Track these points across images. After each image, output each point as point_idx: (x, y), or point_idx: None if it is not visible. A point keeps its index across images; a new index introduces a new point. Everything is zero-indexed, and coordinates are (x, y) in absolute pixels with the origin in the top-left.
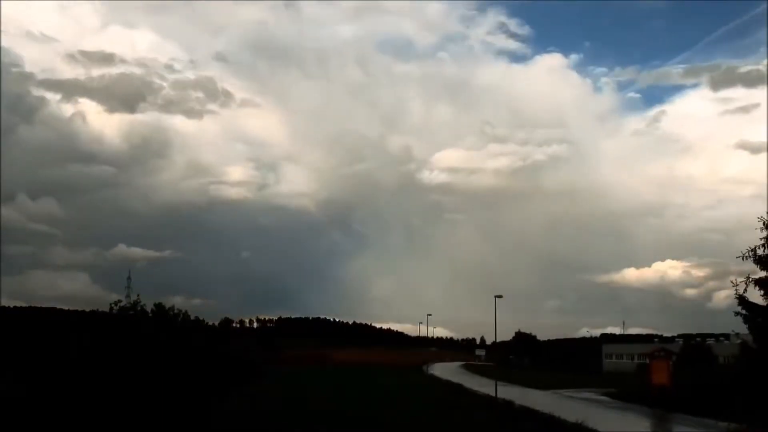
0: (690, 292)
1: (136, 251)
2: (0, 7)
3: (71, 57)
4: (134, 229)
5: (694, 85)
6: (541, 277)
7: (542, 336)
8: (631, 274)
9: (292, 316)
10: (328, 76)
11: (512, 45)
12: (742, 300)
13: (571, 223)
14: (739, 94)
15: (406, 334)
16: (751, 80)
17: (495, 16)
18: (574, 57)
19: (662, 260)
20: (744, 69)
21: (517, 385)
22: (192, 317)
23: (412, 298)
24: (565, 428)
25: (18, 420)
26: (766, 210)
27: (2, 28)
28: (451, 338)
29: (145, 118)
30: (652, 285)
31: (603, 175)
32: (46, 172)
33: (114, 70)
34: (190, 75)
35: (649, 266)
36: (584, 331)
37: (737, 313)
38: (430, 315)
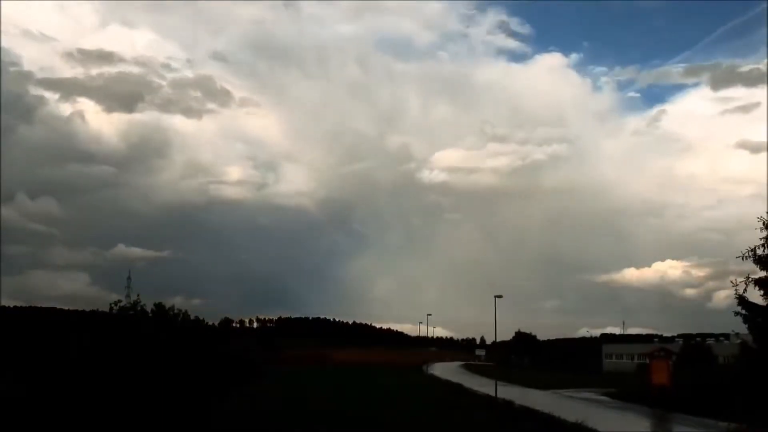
0: (690, 292)
1: (136, 251)
2: (0, 7)
3: (70, 56)
4: (133, 229)
5: (695, 85)
6: (541, 277)
7: (542, 336)
8: (631, 274)
9: (292, 316)
10: (327, 75)
11: (512, 44)
12: (741, 300)
13: (571, 222)
14: (740, 94)
15: (406, 334)
16: (751, 80)
17: (495, 16)
18: (574, 56)
19: (662, 260)
20: (744, 68)
21: (516, 385)
22: (192, 317)
23: (411, 297)
24: (565, 428)
25: (18, 420)
26: (766, 210)
27: (2, 28)
28: (451, 338)
29: (144, 117)
30: (652, 285)
31: (603, 175)
32: (44, 171)
33: (113, 69)
34: (189, 74)
35: (649, 266)
36: (584, 331)
37: (737, 313)
38: (430, 315)
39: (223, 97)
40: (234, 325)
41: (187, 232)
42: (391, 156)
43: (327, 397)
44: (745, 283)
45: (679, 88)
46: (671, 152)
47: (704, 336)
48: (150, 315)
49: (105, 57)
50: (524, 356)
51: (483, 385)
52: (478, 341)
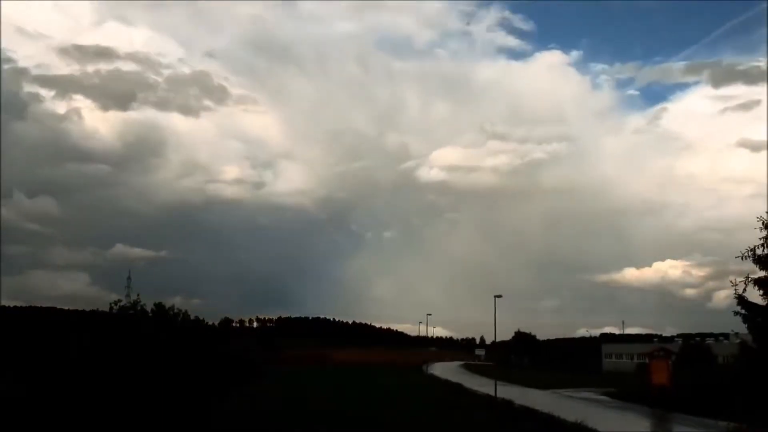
0: (690, 291)
1: (135, 251)
2: (0, 7)
3: (66, 52)
4: (132, 229)
5: (695, 83)
6: (540, 277)
7: (542, 336)
8: (630, 274)
9: (292, 316)
10: (326, 73)
11: (512, 42)
12: (741, 300)
13: (571, 222)
14: (740, 92)
15: (406, 334)
16: (752, 77)
17: (495, 13)
18: (574, 54)
19: (662, 260)
20: (745, 66)
21: (516, 384)
22: (192, 317)
23: (411, 297)
24: (564, 428)
25: (18, 420)
26: (766, 209)
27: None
28: (451, 338)
29: (140, 115)
30: (651, 285)
31: (603, 174)
32: (40, 170)
33: (109, 66)
34: (186, 71)
35: (650, 266)
36: (583, 331)
37: (737, 313)
38: (429, 315)
39: (220, 95)
40: (234, 325)
41: (187, 232)
42: (390, 155)
43: (327, 397)
44: (745, 283)
45: (680, 86)
46: (671, 151)
47: (704, 336)
48: (150, 315)
49: (101, 54)
50: (524, 356)
51: (483, 385)
52: (477, 341)
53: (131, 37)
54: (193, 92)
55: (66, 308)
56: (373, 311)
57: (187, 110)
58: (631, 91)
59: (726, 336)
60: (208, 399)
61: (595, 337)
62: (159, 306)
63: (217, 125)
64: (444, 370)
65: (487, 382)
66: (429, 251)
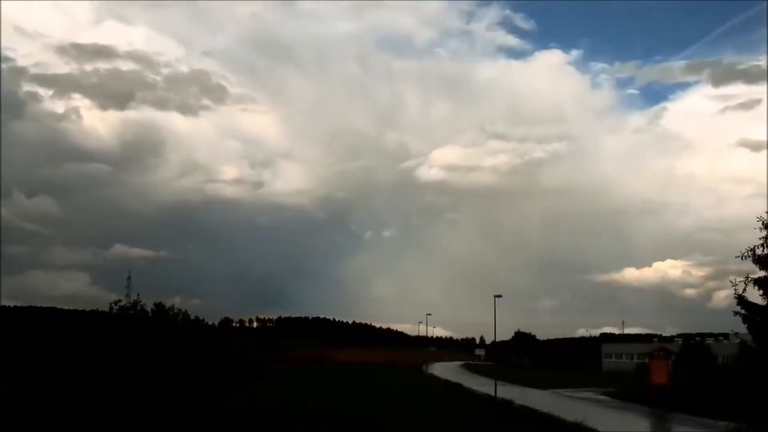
0: (690, 291)
1: (134, 251)
2: (0, 6)
3: (64, 51)
4: (131, 229)
5: (695, 82)
6: (540, 277)
7: (541, 335)
8: (630, 274)
9: (292, 316)
10: (326, 72)
11: (512, 41)
12: (741, 300)
13: (570, 221)
14: (740, 91)
15: (406, 334)
16: (752, 76)
17: (496, 12)
18: (574, 53)
19: (662, 260)
20: (745, 65)
21: (516, 384)
22: (192, 317)
23: (411, 297)
24: (564, 428)
25: (18, 420)
26: (766, 209)
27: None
28: (451, 338)
29: (139, 114)
30: (651, 285)
31: (603, 173)
32: (39, 170)
33: (108, 65)
34: (185, 70)
35: (650, 266)
36: (583, 331)
37: (736, 313)
38: (429, 315)
39: (219, 94)
40: (234, 325)
41: (186, 232)
42: (390, 154)
43: (327, 397)
44: (745, 283)
45: (680, 85)
46: (671, 150)
47: (703, 336)
48: (150, 315)
49: (100, 52)
50: (524, 356)
51: (482, 385)
52: (477, 341)
53: (130, 36)
54: (192, 91)
55: (66, 308)
56: (373, 311)
57: (186, 109)
58: (631, 91)
59: (726, 336)
60: (208, 399)
61: (594, 337)
62: (159, 306)
63: (216, 124)
64: (444, 370)
65: (487, 381)
66: (429, 251)
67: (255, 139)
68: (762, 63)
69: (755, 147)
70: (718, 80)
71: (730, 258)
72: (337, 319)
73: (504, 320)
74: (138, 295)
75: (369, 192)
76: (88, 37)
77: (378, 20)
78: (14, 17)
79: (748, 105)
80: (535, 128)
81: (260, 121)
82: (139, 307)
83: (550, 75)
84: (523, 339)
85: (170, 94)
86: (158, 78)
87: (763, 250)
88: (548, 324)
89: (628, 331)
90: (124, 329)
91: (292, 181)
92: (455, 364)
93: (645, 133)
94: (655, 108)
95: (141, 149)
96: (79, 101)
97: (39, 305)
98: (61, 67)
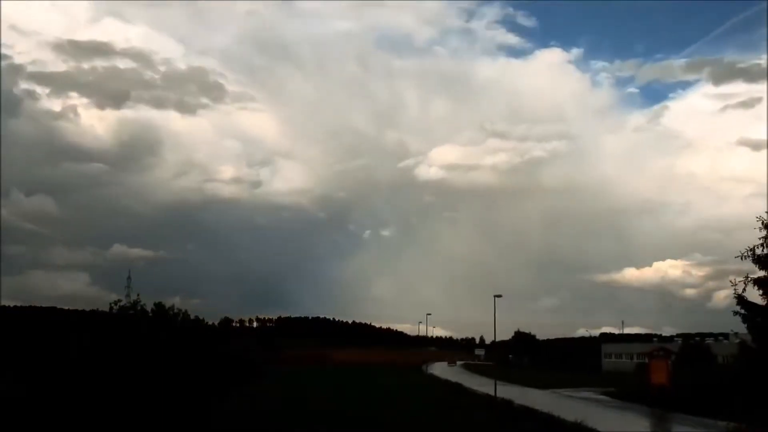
0: (689, 291)
1: (134, 251)
2: (0, 6)
3: (62, 49)
4: (130, 229)
5: (696, 81)
6: (540, 277)
7: (541, 335)
8: (630, 274)
9: (292, 316)
10: (325, 71)
11: (512, 40)
12: (740, 299)
13: (570, 221)
14: (741, 89)
15: (406, 334)
16: (752, 75)
17: (496, 11)
18: (574, 52)
19: (662, 259)
20: (745, 64)
21: (516, 384)
22: (191, 317)
23: (410, 297)
24: (564, 428)
25: (18, 420)
26: (766, 208)
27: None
28: (451, 338)
29: (136, 113)
30: (651, 285)
31: (603, 173)
32: (37, 169)
33: (105, 63)
34: (183, 69)
35: (650, 266)
36: (582, 331)
37: (736, 313)
38: (429, 314)
39: (218, 93)
40: (234, 325)
41: (186, 232)
42: (389, 153)
43: (327, 397)
44: (744, 283)
45: (680, 84)
46: (671, 150)
47: (703, 335)
48: (150, 315)
49: (97, 50)
50: (523, 356)
51: (482, 385)
52: (477, 341)
53: (128, 35)
54: (191, 90)
55: (66, 308)
56: (372, 311)
57: (184, 108)
58: (632, 89)
59: (726, 336)
60: (208, 399)
61: (594, 337)
62: (159, 306)
63: (214, 123)
64: (444, 370)
65: (487, 381)
66: (428, 250)
67: (254, 138)
68: (762, 62)
69: (756, 146)
70: (719, 79)
71: (730, 258)
72: (336, 319)
73: (504, 320)
74: (138, 295)
75: (368, 191)
76: (86, 35)
77: (377, 19)
78: (12, 16)
79: (748, 103)
80: (535, 127)
81: (259, 120)
82: (139, 307)
83: (550, 74)
84: (522, 339)
85: (168, 92)
86: (156, 76)
87: (762, 250)
88: (548, 324)
89: (627, 331)
90: (124, 329)
91: (291, 180)
92: (455, 364)
93: (645, 132)
94: (656, 107)
95: (139, 148)
96: (77, 99)
97: (39, 305)
98: (59, 64)
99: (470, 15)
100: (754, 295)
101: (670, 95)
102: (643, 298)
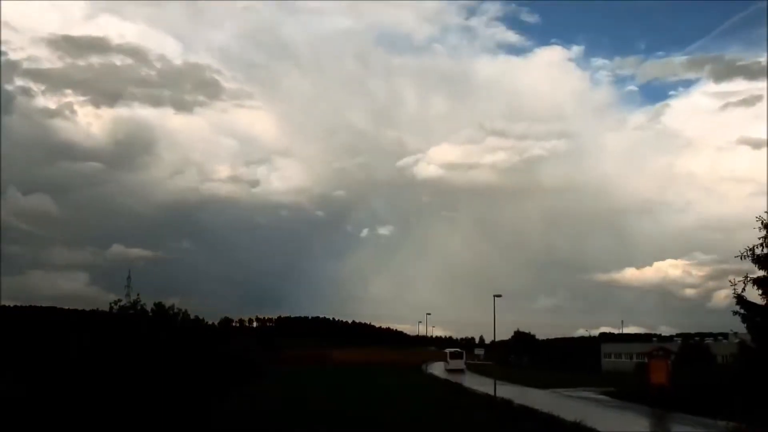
0: (689, 291)
1: (133, 251)
2: (0, 6)
3: (57, 45)
4: (129, 229)
5: (696, 80)
6: (540, 276)
7: (541, 335)
8: (630, 274)
9: (292, 316)
10: (323, 69)
11: (512, 38)
12: (740, 299)
13: (570, 220)
14: (741, 87)
15: (406, 334)
16: (753, 73)
17: (497, 8)
18: (575, 49)
19: (662, 259)
20: (746, 62)
21: (515, 384)
22: (191, 317)
23: (410, 297)
24: (564, 427)
25: (18, 420)
26: (766, 208)
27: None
28: (450, 337)
29: (132, 111)
30: (651, 284)
31: (603, 172)
32: (34, 168)
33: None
34: (181, 66)
35: (650, 265)
36: (582, 331)
37: (736, 313)
38: (429, 314)
39: (215, 90)
40: (234, 324)
41: (185, 232)
42: (388, 152)
43: (327, 397)
44: (744, 283)
45: (681, 83)
46: (672, 148)
47: (703, 335)
48: (150, 314)
49: (93, 47)
50: (523, 355)
51: (482, 385)
52: (477, 341)
53: (124, 32)
54: (187, 87)
55: (66, 308)
56: (372, 311)
57: (181, 106)
58: (632, 88)
59: (725, 336)
60: (208, 399)
61: (594, 337)
62: (159, 306)
63: (212, 121)
64: (443, 369)
65: (487, 381)
66: (427, 250)
67: (251, 137)
68: (762, 60)
69: (756, 145)
70: (719, 76)
71: (730, 257)
72: (336, 319)
73: (503, 320)
74: (138, 294)
75: (367, 190)
76: (82, 31)
77: (377, 16)
78: (8, 12)
79: (749, 101)
80: (535, 126)
81: (258, 118)
82: (139, 307)
83: (550, 72)
84: (522, 339)
85: (165, 90)
86: (152, 73)
87: (762, 250)
88: (548, 324)
89: (627, 330)
90: (124, 329)
91: (289, 179)
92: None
93: (645, 130)
94: (656, 105)
95: (136, 147)
96: (72, 97)
97: (39, 305)
98: (55, 61)
99: (470, 12)
100: (753, 295)
101: (671, 93)
102: (643, 298)
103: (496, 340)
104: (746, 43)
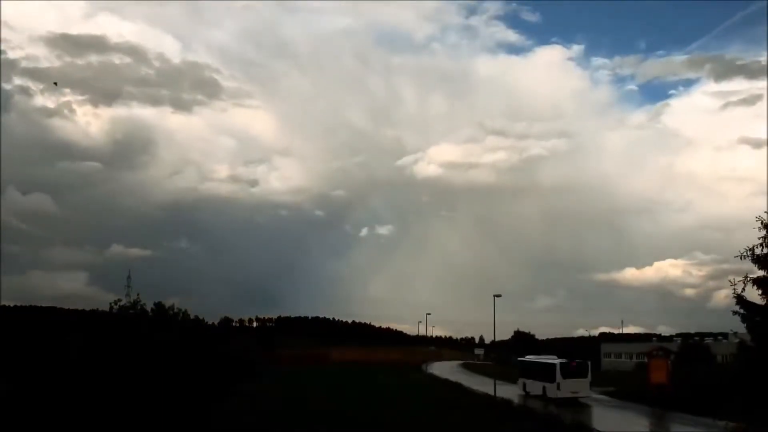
0: (689, 291)
1: (132, 251)
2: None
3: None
4: (128, 229)
5: (697, 79)
6: (539, 276)
7: (541, 335)
8: (630, 273)
9: (292, 316)
10: (322, 67)
11: (512, 37)
12: (740, 299)
13: (570, 220)
14: (742, 86)
15: (406, 334)
16: (753, 72)
17: (497, 7)
18: (575, 49)
19: (662, 259)
20: (746, 61)
21: (515, 383)
22: (191, 316)
23: (410, 297)
24: (564, 427)
25: (19, 420)
26: (766, 207)
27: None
28: (450, 337)
29: (130, 111)
30: (651, 284)
31: (603, 171)
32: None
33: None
34: (180, 65)
35: (650, 265)
36: (582, 331)
37: (735, 312)
38: (429, 314)
39: (213, 89)
40: (234, 324)
41: (184, 231)
42: (388, 150)
43: (327, 397)
44: (744, 283)
45: (681, 82)
46: (672, 148)
47: (702, 335)
48: (150, 314)
49: (93, 46)
50: (523, 355)
51: (482, 384)
52: (477, 340)
53: (123, 30)
54: (186, 86)
55: (66, 308)
56: (371, 311)
57: (180, 105)
58: (632, 87)
59: (725, 336)
60: (208, 399)
61: (594, 337)
62: (159, 305)
63: (211, 120)
64: (443, 369)
65: (487, 381)
66: (427, 250)
67: (250, 136)
68: (762, 59)
69: (756, 144)
70: (719, 76)
71: (730, 257)
72: (336, 319)
73: (503, 320)
74: (138, 294)
75: (366, 189)
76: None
77: (377, 15)
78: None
79: (749, 101)
80: (535, 125)
81: (256, 117)
82: (139, 307)
83: (550, 71)
84: (522, 338)
85: (163, 89)
86: (151, 71)
87: (762, 250)
88: (547, 323)
89: (627, 330)
90: (124, 329)
91: (289, 178)
92: (455, 364)
93: (645, 130)
94: (656, 105)
95: (134, 146)
96: (70, 96)
97: (39, 305)
98: (53, 60)
99: (470, 11)
100: (753, 295)
101: (671, 93)
102: (643, 297)
103: (496, 340)
104: (746, 43)
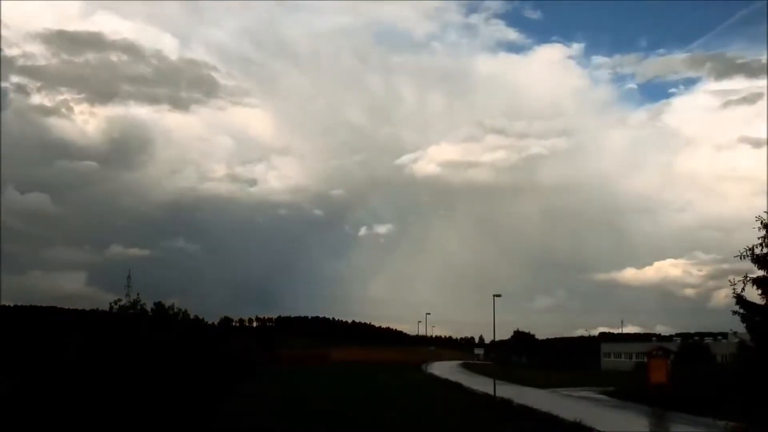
0: (689, 291)
1: (132, 251)
2: (0, 7)
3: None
4: (128, 228)
5: (697, 78)
6: (539, 276)
7: (540, 335)
8: (630, 273)
9: (292, 316)
10: (321, 66)
11: (512, 35)
12: (740, 299)
13: (570, 219)
14: (742, 85)
15: (405, 333)
16: (754, 71)
17: (497, 6)
18: (575, 47)
19: (662, 259)
20: (747, 60)
21: (515, 383)
22: (191, 316)
23: (410, 297)
24: (563, 427)
25: (18, 420)
26: (767, 207)
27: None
28: (450, 337)
29: (127, 109)
30: (651, 284)
31: (603, 170)
32: (29, 167)
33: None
34: (179, 64)
35: (650, 265)
36: (581, 331)
37: (735, 312)
38: (428, 314)
39: (212, 88)
40: (234, 324)
41: (183, 231)
42: (387, 149)
43: (327, 397)
44: (744, 282)
45: (682, 81)
46: (672, 147)
47: (702, 335)
48: (150, 314)
49: (91, 44)
50: (523, 355)
51: (482, 384)
52: (476, 340)
53: (120, 28)
54: (184, 84)
55: (66, 308)
56: (371, 311)
57: (178, 103)
58: (632, 86)
59: (725, 336)
60: (208, 399)
61: (593, 337)
62: (159, 305)
63: (209, 119)
64: (443, 369)
65: (486, 381)
66: (427, 249)
67: (249, 135)
68: (763, 58)
69: (757, 143)
70: (720, 74)
71: (730, 257)
72: (336, 319)
73: (503, 320)
74: (138, 294)
75: (365, 189)
76: (77, 27)
77: (376, 14)
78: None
79: (749, 99)
80: (534, 124)
81: (254, 116)
82: (139, 307)
83: (550, 69)
84: (522, 338)
85: (161, 87)
86: (149, 69)
87: (762, 250)
88: (547, 323)
89: (626, 330)
90: (124, 329)
91: (287, 178)
92: (454, 363)
93: (645, 128)
94: (656, 103)
95: (131, 145)
96: (67, 94)
97: (38, 305)
98: (50, 58)
99: (470, 10)
100: (753, 294)
101: (671, 91)
102: (643, 297)
103: (496, 339)
104: (747, 41)
